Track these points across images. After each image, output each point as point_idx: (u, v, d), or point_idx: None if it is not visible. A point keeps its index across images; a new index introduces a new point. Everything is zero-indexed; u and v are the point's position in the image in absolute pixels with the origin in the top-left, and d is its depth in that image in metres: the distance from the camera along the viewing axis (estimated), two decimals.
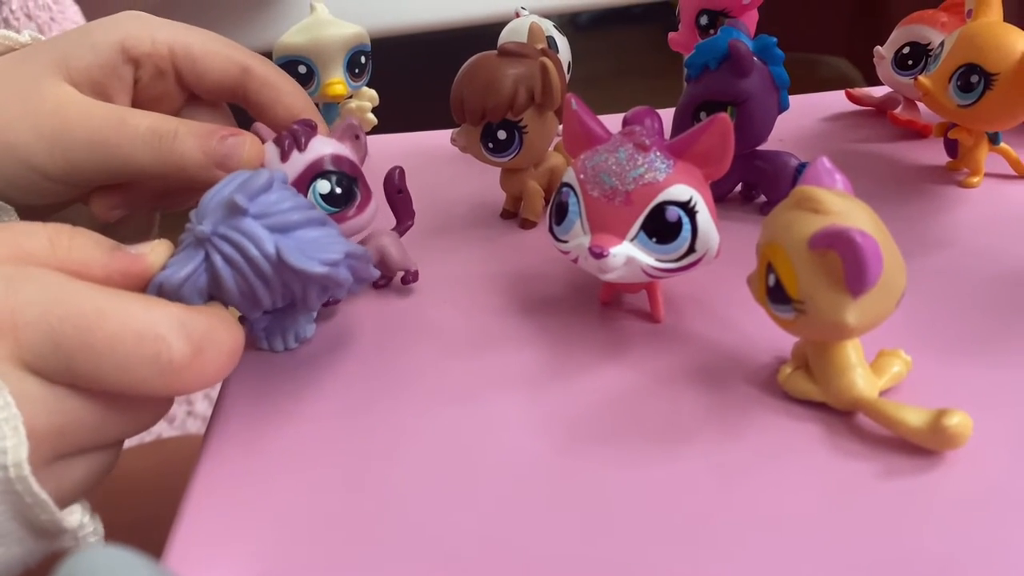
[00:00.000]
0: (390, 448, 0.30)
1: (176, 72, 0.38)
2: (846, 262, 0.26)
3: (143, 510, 0.45)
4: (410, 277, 0.40)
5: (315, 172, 0.36)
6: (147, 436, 1.07)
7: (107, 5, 1.20)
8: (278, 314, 0.35)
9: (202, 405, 1.13)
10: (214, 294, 0.30)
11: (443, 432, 0.31)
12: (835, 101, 0.54)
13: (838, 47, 1.66)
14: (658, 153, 0.32)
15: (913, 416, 0.27)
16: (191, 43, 0.38)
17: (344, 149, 0.37)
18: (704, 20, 0.46)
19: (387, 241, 0.39)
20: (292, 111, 0.39)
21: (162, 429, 1.09)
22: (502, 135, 0.40)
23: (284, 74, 0.39)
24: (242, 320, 0.33)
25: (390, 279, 0.41)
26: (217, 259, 0.30)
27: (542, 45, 0.41)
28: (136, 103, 0.38)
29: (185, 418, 1.10)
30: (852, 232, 0.26)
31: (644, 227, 0.31)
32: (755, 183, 0.43)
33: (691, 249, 0.31)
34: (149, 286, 0.30)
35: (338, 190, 0.36)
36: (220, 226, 0.30)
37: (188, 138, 0.35)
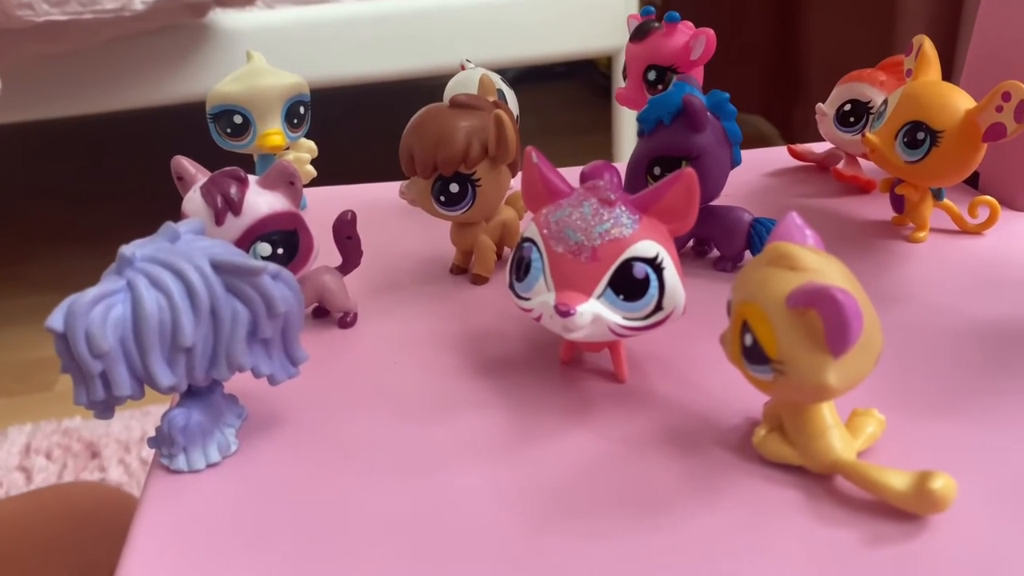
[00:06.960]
0: (340, 527, 0.28)
1: None
2: (827, 321, 0.25)
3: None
4: (348, 320, 0.39)
5: (254, 236, 0.34)
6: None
7: (23, 64, 1.14)
8: (197, 404, 0.30)
9: (116, 471, 1.06)
10: (133, 328, 0.26)
11: (398, 509, 0.28)
12: (777, 156, 0.54)
13: (754, 106, 1.71)
14: (623, 208, 0.31)
15: (896, 479, 0.26)
16: None
17: (279, 201, 0.34)
18: (652, 75, 0.46)
19: (328, 279, 0.38)
20: None
21: None
22: (455, 188, 0.38)
23: None
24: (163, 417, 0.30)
25: (328, 312, 0.39)
26: (141, 282, 0.26)
27: (494, 97, 0.40)
28: None
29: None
30: (833, 290, 0.25)
31: (611, 284, 0.30)
32: (708, 238, 0.42)
33: (659, 307, 0.30)
34: (59, 306, 0.26)
35: (280, 251, 0.34)
36: (147, 248, 0.27)
37: None
